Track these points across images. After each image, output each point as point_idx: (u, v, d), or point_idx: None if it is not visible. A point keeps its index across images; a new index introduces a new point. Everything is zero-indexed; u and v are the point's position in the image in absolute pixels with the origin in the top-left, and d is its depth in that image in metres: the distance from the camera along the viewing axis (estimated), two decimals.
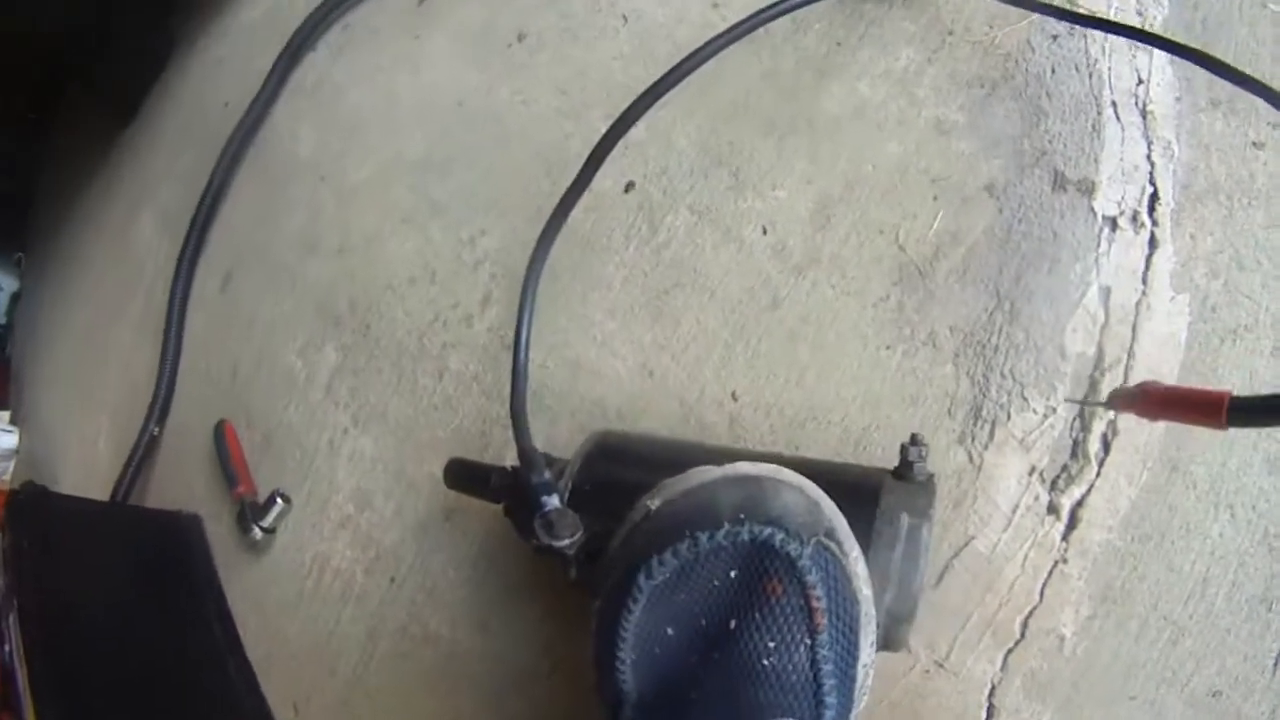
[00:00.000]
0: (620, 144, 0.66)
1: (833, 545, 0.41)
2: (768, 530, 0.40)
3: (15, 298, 1.57)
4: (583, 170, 0.61)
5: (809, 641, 0.40)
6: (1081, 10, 0.63)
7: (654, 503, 0.44)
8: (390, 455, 0.75)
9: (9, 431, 1.34)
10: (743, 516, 0.41)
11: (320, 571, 0.75)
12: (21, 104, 1.43)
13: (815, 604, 0.40)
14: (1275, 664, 0.49)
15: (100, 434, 1.07)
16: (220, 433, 0.87)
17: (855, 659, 0.42)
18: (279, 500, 0.79)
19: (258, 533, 0.79)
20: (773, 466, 0.44)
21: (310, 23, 0.99)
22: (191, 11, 1.25)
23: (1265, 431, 0.52)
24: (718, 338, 0.64)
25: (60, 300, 1.31)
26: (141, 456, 0.95)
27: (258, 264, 0.94)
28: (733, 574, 0.41)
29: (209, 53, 1.18)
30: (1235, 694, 0.49)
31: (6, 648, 0.72)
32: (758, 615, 0.40)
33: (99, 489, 0.96)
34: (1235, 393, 0.35)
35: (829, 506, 0.43)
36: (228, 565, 0.83)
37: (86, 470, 1.07)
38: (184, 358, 0.98)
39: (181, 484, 0.91)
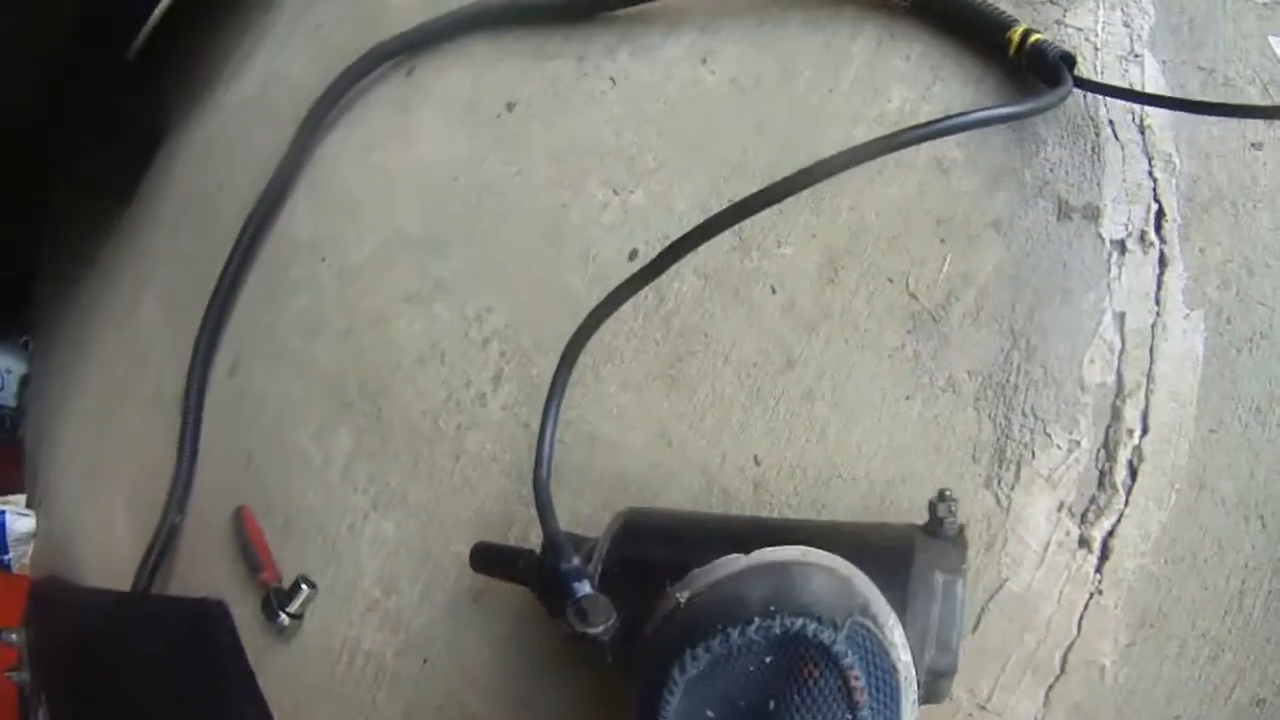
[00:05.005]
0: (620, 211, 0.65)
1: (868, 621, 0.41)
2: (800, 621, 0.40)
3: (24, 380, 1.56)
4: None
5: (849, 718, 0.40)
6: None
7: (683, 595, 0.44)
8: (413, 538, 0.74)
9: (25, 515, 1.33)
10: (773, 609, 0.41)
11: (351, 656, 0.75)
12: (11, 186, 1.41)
13: (854, 683, 0.40)
14: None
15: (117, 517, 1.07)
16: (239, 518, 0.87)
17: None
18: (304, 586, 0.78)
19: (285, 619, 0.78)
20: (800, 549, 0.44)
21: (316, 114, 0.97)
22: (183, 89, 1.25)
23: None
24: (735, 403, 0.64)
25: (70, 383, 1.30)
26: (163, 547, 0.94)
27: (265, 348, 0.94)
28: (768, 659, 0.41)
29: (201, 132, 1.18)
30: (1279, 700, 0.49)
31: None
32: (796, 698, 0.40)
33: (120, 572, 0.95)
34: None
35: (861, 580, 0.43)
36: (256, 651, 0.82)
37: (106, 554, 1.06)
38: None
39: (203, 570, 0.91)
